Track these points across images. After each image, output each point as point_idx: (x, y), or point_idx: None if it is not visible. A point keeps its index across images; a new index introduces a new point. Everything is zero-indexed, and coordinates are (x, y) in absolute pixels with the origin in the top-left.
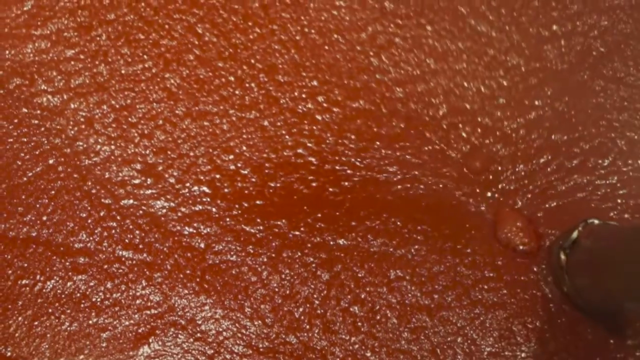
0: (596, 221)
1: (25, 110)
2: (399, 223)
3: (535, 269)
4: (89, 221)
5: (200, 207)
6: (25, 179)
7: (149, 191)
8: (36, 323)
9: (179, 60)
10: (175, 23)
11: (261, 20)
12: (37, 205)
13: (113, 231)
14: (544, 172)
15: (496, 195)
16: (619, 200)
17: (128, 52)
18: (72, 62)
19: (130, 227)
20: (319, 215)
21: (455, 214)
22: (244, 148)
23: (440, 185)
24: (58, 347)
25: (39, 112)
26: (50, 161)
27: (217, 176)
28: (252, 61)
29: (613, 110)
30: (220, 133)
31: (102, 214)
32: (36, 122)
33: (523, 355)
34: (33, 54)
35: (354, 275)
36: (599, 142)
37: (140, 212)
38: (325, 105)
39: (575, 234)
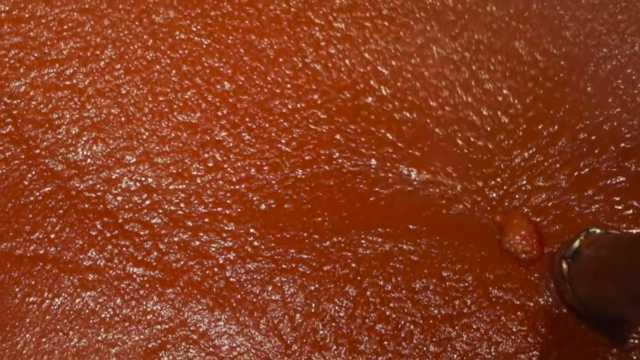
0: (598, 230)
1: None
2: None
3: (537, 277)
4: (99, 239)
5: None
6: (32, 198)
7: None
8: (44, 340)
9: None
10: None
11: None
12: (45, 224)
13: (124, 249)
14: (547, 182)
15: (501, 204)
16: (619, 209)
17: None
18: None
19: (146, 246)
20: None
21: (465, 223)
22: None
23: (453, 195)
24: None
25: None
26: (58, 181)
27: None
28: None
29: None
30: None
31: (115, 232)
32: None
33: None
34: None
35: (380, 291)
36: (602, 150)
37: (172, 239)
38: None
39: (577, 243)
